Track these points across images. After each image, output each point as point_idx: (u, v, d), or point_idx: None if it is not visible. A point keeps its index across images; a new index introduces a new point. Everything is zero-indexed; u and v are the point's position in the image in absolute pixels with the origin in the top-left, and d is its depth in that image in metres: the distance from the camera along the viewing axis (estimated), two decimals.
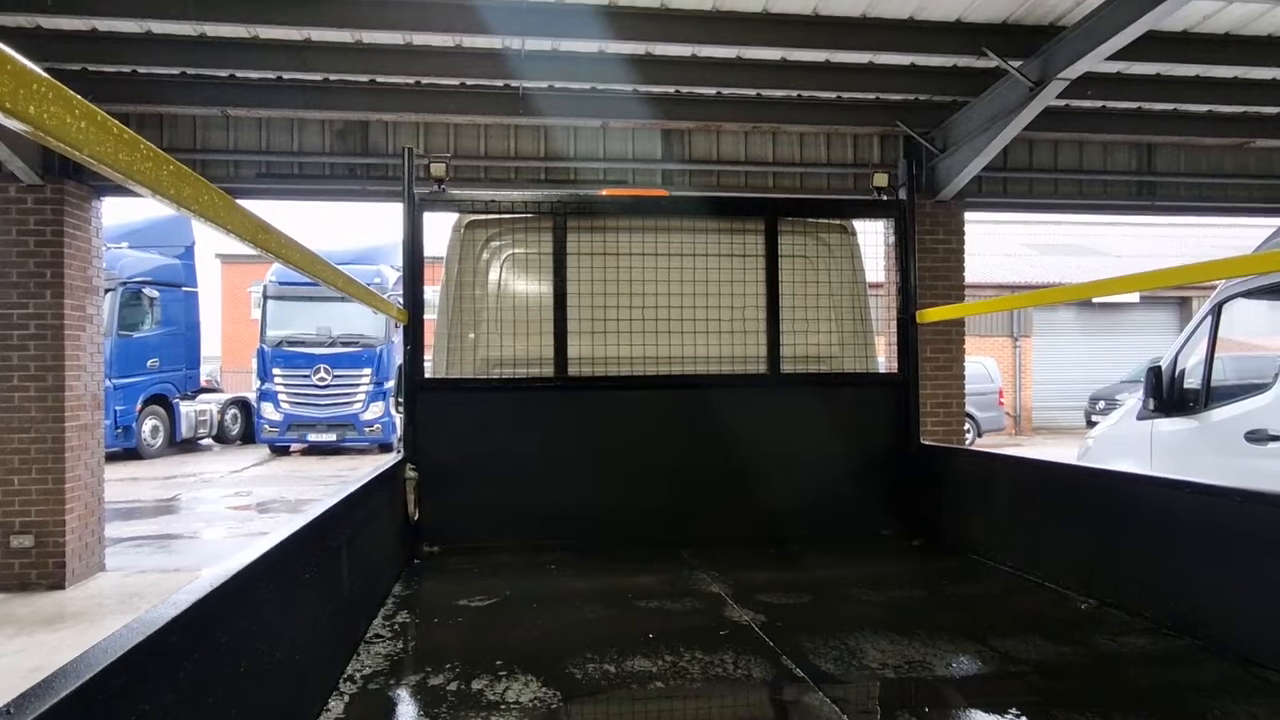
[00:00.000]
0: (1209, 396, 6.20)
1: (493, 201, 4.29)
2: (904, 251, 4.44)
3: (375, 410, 18.82)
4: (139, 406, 17.79)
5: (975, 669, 2.40)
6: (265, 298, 19.20)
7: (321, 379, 18.67)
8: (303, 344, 18.79)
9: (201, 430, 20.03)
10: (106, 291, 12.22)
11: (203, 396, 20.48)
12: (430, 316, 4.25)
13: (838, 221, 4.56)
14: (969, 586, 3.42)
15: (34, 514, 7.53)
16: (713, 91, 7.97)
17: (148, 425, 18.23)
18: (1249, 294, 6.24)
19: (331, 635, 2.39)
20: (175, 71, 7.36)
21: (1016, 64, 6.96)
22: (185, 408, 19.22)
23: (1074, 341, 25.14)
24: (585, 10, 6.50)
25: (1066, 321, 25.33)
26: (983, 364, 20.25)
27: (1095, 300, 24.41)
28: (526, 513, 4.07)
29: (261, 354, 19.03)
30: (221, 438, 21.02)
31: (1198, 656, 2.45)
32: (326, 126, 8.28)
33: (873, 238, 4.77)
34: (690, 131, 8.69)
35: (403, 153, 4.09)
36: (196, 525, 11.71)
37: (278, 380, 18.70)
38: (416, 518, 3.89)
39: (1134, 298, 24.24)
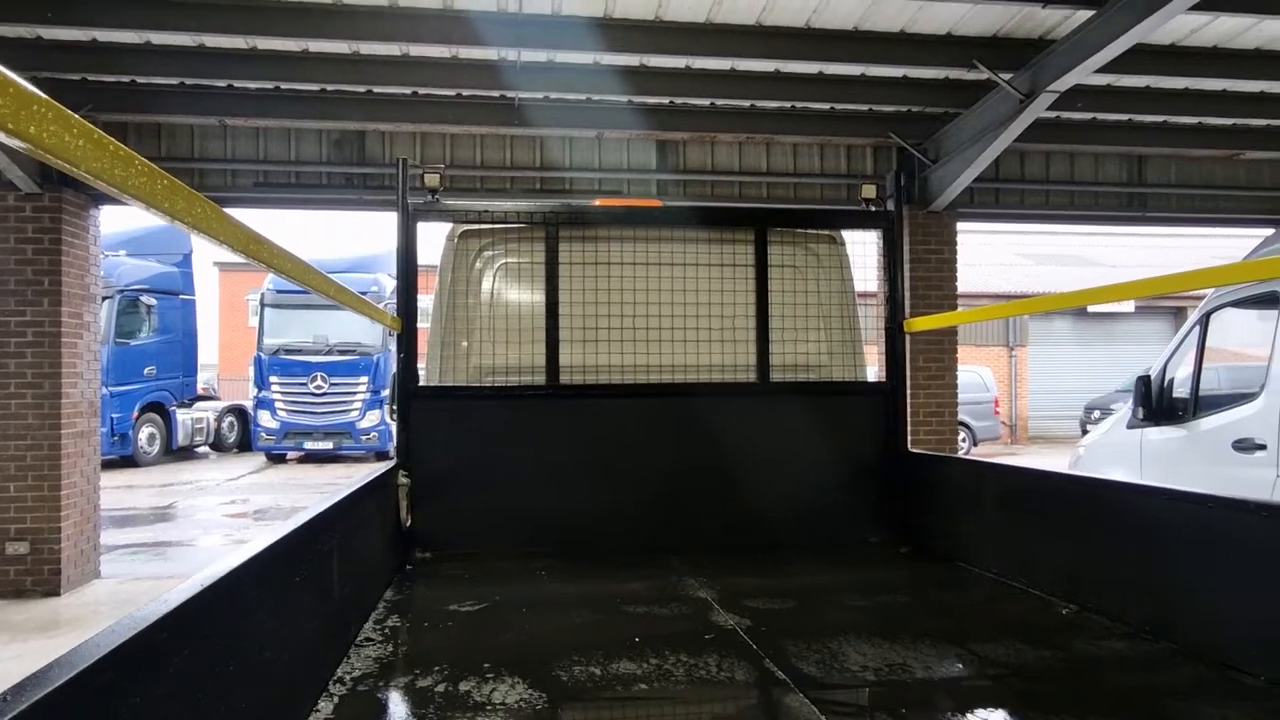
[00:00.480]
0: (1197, 406, 6.25)
1: (486, 211, 4.34)
2: (892, 262, 4.50)
3: (372, 418, 18.84)
4: (136, 414, 17.80)
5: (954, 672, 2.44)
6: (263, 306, 19.25)
7: (318, 387, 18.69)
8: (300, 352, 18.82)
9: (198, 438, 20.04)
10: (104, 299, 12.25)
11: (200, 404, 20.49)
12: (424, 325, 4.30)
13: (827, 232, 4.62)
14: (953, 592, 3.46)
15: (29, 521, 7.55)
16: (707, 103, 8.05)
17: (144, 433, 18.23)
18: (1237, 304, 6.30)
19: (321, 638, 2.43)
20: (174, 81, 7.42)
21: (1007, 76, 7.04)
22: (182, 415, 19.23)
23: (1070, 351, 25.22)
24: (580, 22, 6.57)
25: (1062, 331, 25.42)
26: (978, 373, 20.30)
27: (1091, 310, 24.50)
28: (518, 519, 4.11)
29: (259, 362, 19.06)
30: (218, 445, 21.02)
31: (1173, 660, 2.50)
32: (323, 136, 8.34)
33: (865, 248, 4.83)
34: (685, 142, 8.77)
35: (397, 164, 4.15)
36: (192, 533, 11.72)
37: (275, 388, 18.72)
38: (409, 524, 3.93)
39: (1129, 307, 24.34)
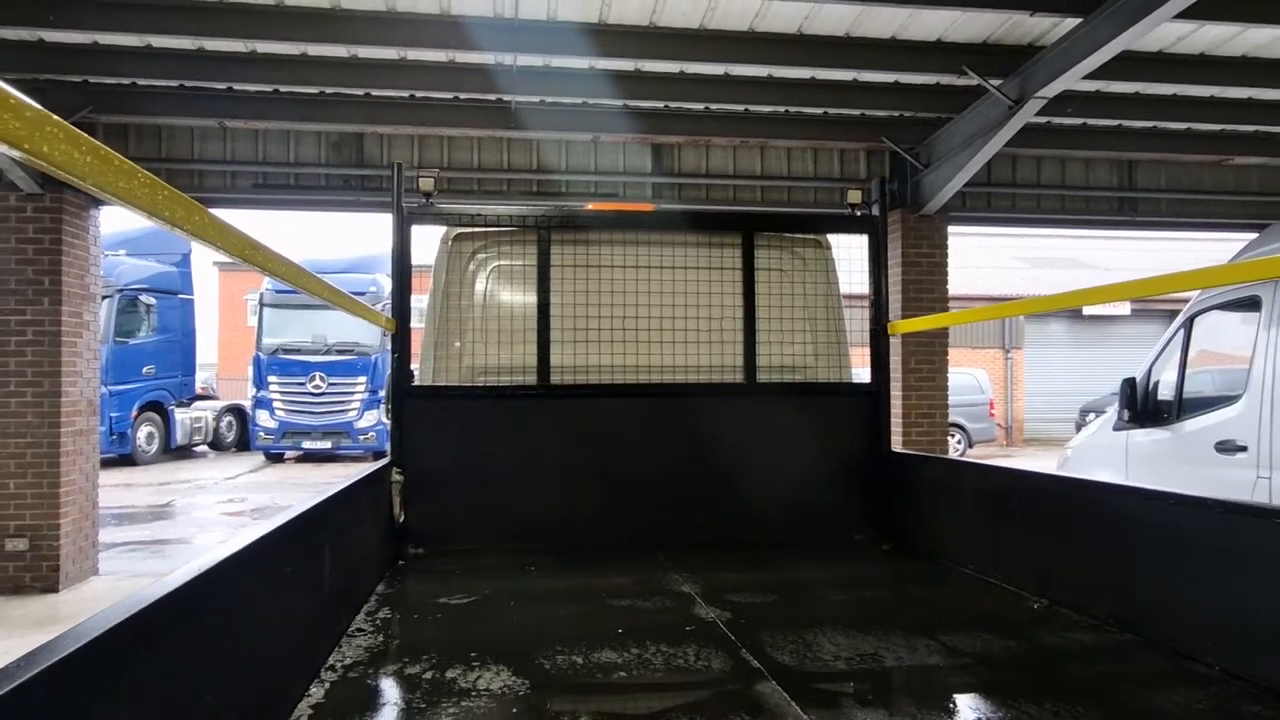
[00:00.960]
0: (1181, 408, 6.35)
1: (479, 215, 4.43)
2: (876, 266, 4.59)
3: (370, 418, 18.92)
4: (134, 413, 17.88)
5: (922, 661, 2.53)
6: (261, 305, 19.34)
7: (316, 387, 18.78)
8: (298, 352, 18.91)
9: (197, 437, 20.12)
10: (103, 298, 12.34)
11: (198, 403, 20.58)
12: (417, 324, 4.39)
13: (813, 236, 4.71)
14: (929, 588, 3.55)
15: (29, 518, 7.63)
16: (701, 107, 8.14)
17: (143, 432, 18.31)
18: (1220, 307, 6.40)
19: (313, 627, 2.52)
20: (174, 84, 7.50)
21: (996, 83, 7.14)
22: (180, 414, 19.31)
23: (1065, 353, 25.32)
24: (575, 28, 6.67)
25: (1058, 334, 25.52)
26: (974, 375, 20.42)
27: (1087, 312, 24.59)
28: (509, 516, 4.20)
29: (257, 361, 19.15)
30: (217, 445, 21.10)
31: (1135, 651, 2.59)
32: (322, 138, 8.43)
33: (858, 252, 4.90)
34: (680, 146, 8.86)
35: (393, 168, 4.24)
36: (190, 531, 11.81)
37: (273, 388, 18.81)
38: (402, 520, 4.02)
39: (1125, 310, 24.44)
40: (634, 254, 4.51)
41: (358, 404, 18.90)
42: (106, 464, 13.81)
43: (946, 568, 3.76)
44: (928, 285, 8.85)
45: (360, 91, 7.66)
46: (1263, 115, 8.30)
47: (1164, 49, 7.20)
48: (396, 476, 4.01)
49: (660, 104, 8.01)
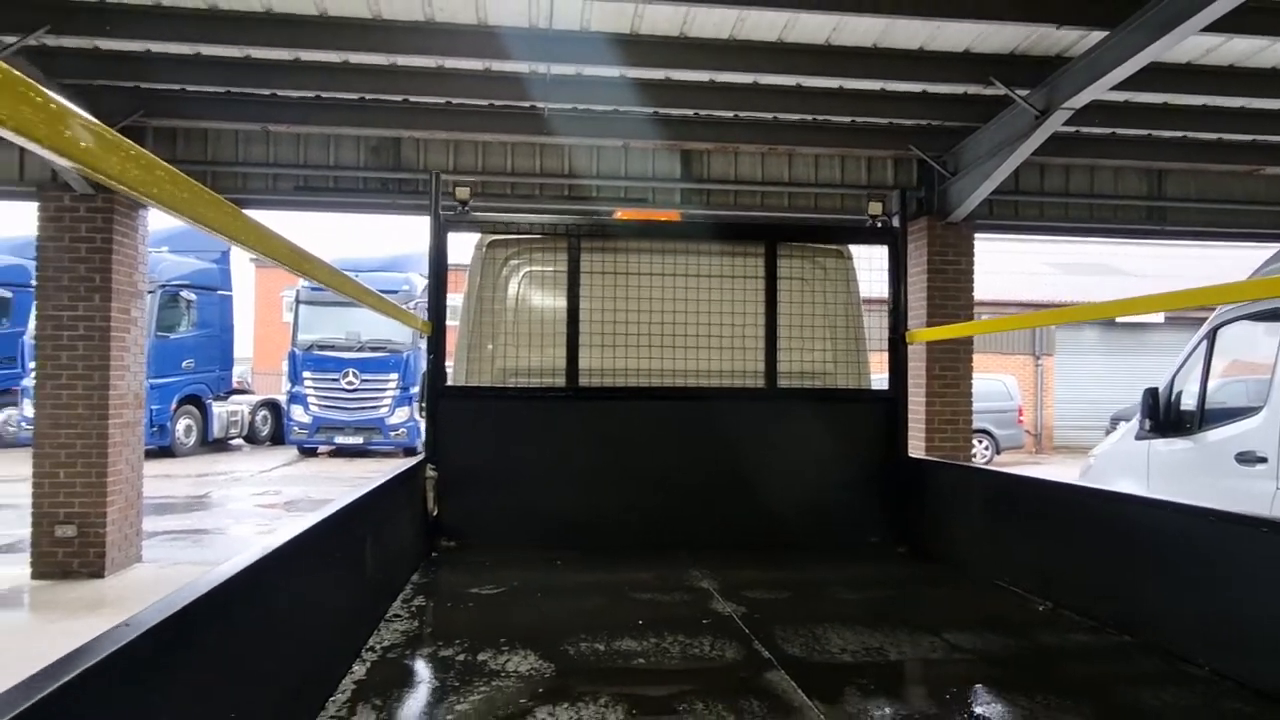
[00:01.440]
0: (1203, 418, 6.39)
1: (512, 223, 4.63)
2: (895, 276, 4.72)
3: (401, 415, 19.24)
4: (174, 406, 18.35)
5: (924, 656, 2.67)
6: (297, 303, 19.75)
7: (350, 383, 19.14)
8: (332, 348, 19.28)
9: (233, 430, 20.58)
10: (146, 294, 12.70)
11: (234, 397, 21.05)
12: (452, 323, 4.58)
13: (835, 246, 4.85)
14: (939, 589, 3.68)
15: (77, 505, 7.95)
16: (730, 114, 8.28)
17: (182, 424, 18.78)
18: (1245, 318, 6.43)
19: (356, 611, 2.72)
20: (221, 90, 7.78)
21: (1023, 93, 7.21)
22: (218, 408, 19.78)
23: (1097, 361, 25.10)
24: (607, 38, 6.85)
25: (1090, 341, 25.31)
26: (1002, 381, 20.34)
27: (1119, 320, 24.37)
28: (537, 513, 4.38)
29: (293, 357, 19.55)
30: (252, 438, 21.56)
31: (1131, 652, 2.71)
32: (361, 143, 8.69)
33: (881, 258, 5.02)
34: (709, 152, 9.01)
35: (431, 177, 4.44)
36: (226, 521, 12.15)
37: (307, 383, 19.19)
38: (436, 514, 4.21)
39: (1159, 318, 24.17)
40: (660, 261, 4.67)
41: (389, 400, 19.23)
42: (147, 455, 14.15)
43: (957, 570, 3.88)
44: (953, 292, 8.92)
45: (399, 98, 7.89)
46: None
47: (1193, 60, 7.23)
48: (431, 473, 4.21)
49: (690, 111, 8.16)
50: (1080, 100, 6.79)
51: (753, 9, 6.33)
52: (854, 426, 4.66)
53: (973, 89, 7.63)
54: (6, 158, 8.08)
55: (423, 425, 15.47)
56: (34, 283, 16.86)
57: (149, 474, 12.54)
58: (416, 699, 2.38)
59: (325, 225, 33.27)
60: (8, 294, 18.82)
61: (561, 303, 4.57)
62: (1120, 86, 6.64)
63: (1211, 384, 6.47)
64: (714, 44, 7.01)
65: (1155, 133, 8.65)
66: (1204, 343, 6.57)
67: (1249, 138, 8.67)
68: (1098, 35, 6.46)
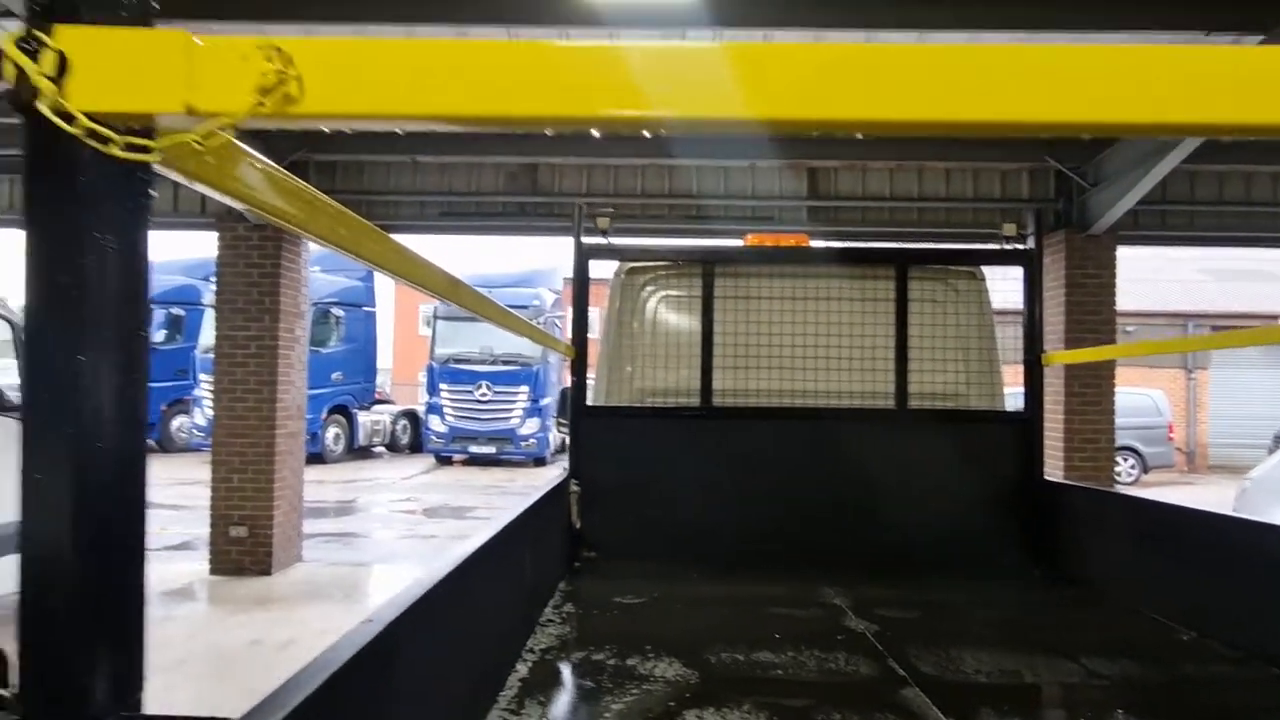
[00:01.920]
0: None
1: (649, 250, 4.87)
2: (1031, 296, 4.69)
3: (531, 425, 19.91)
4: (324, 416, 19.59)
5: (1061, 679, 2.72)
6: (435, 318, 20.76)
7: (483, 395, 19.96)
8: (467, 361, 20.17)
9: (375, 439, 21.77)
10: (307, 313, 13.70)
11: (377, 408, 22.27)
12: (593, 335, 4.84)
13: (967, 268, 4.86)
14: (1077, 613, 3.67)
15: (249, 508, 8.71)
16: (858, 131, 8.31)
17: (330, 433, 20.02)
18: None
19: (518, 616, 2.99)
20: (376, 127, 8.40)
21: None
22: (363, 418, 20.98)
23: (1258, 375, 23.41)
24: None
25: (1249, 353, 23.59)
26: (1150, 396, 19.29)
27: None
28: (672, 526, 4.58)
29: (431, 370, 20.56)
30: (393, 446, 22.74)
31: (1277, 684, 2.67)
32: (500, 170, 9.18)
33: (1016, 271, 4.99)
34: (836, 170, 9.05)
35: (574, 210, 4.74)
36: (373, 526, 12.93)
37: (444, 395, 20.14)
38: (579, 527, 4.48)
39: None
40: (791, 285, 4.81)
41: (520, 411, 19.93)
42: None
43: (1095, 595, 3.85)
44: (1093, 307, 8.64)
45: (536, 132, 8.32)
46: None
47: None
48: (574, 487, 4.48)
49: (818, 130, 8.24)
50: None
51: (880, 31, 6.38)
52: (988, 447, 4.66)
53: None
54: (190, 193, 8.96)
55: (551, 436, 16.02)
56: (205, 302, 18.26)
57: (304, 479, 13.54)
58: (575, 699, 2.62)
59: (455, 242, 34.65)
60: (181, 312, 20.55)
61: (695, 325, 4.78)
62: None
63: None
64: None
65: None
66: None
67: None
68: (1252, 40, 6.19)
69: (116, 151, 0.88)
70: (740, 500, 4.61)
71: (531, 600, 3.24)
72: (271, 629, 6.86)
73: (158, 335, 19.73)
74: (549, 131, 8.25)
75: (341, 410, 20.40)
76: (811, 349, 4.75)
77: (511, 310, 3.92)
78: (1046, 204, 8.79)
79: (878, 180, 9.08)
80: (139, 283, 1.00)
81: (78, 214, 0.90)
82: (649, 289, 4.92)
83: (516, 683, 2.59)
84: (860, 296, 4.78)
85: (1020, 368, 4.76)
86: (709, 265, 4.77)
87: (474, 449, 20.11)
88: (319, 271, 19.99)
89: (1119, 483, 12.66)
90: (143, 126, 0.89)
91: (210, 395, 11.06)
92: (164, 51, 0.88)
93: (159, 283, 20.09)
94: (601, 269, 5.00)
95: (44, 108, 0.85)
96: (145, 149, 0.88)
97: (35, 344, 0.96)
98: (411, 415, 23.28)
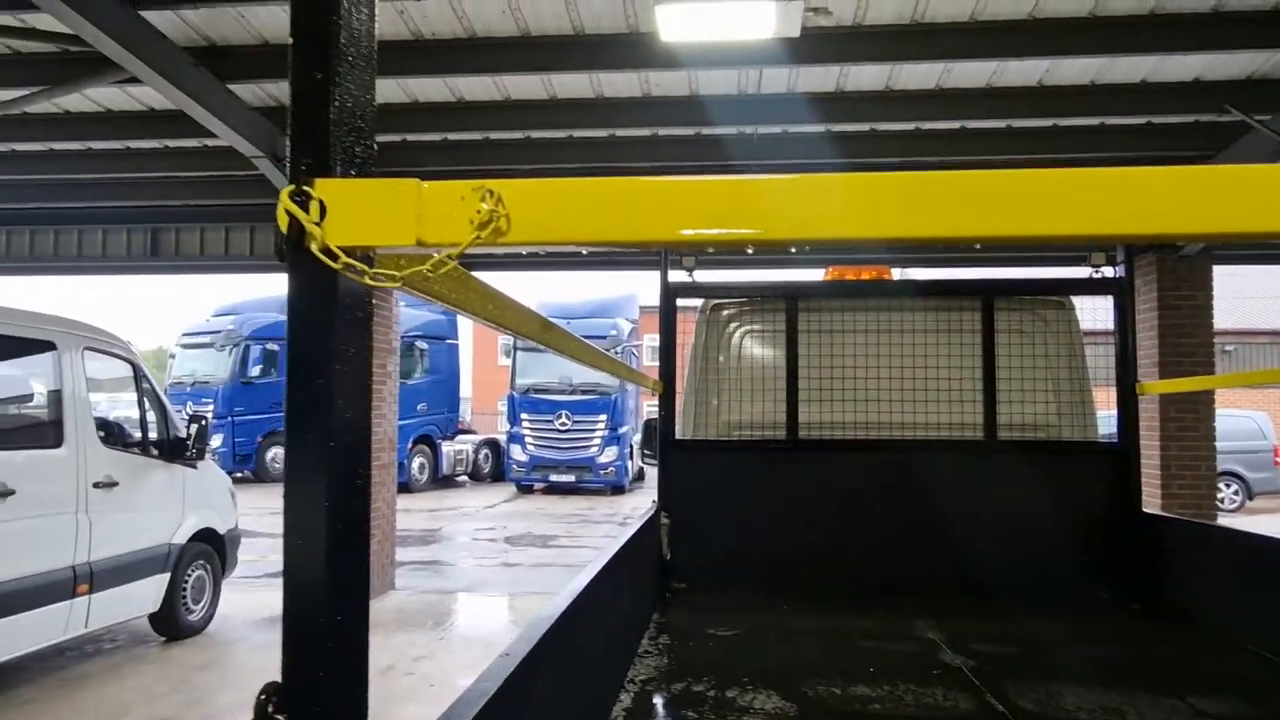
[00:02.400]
0: None
1: (734, 286, 4.98)
2: (1122, 325, 4.64)
3: (610, 454, 20.11)
4: (410, 445, 20.14)
5: (1165, 717, 2.69)
6: (515, 349, 21.20)
7: (563, 424, 20.25)
8: (547, 391, 20.51)
9: (459, 468, 22.26)
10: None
11: (460, 437, 22.79)
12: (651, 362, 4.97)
13: (1055, 298, 4.83)
14: (1179, 649, 3.59)
15: None
16: (935, 159, 8.28)
17: (416, 462, 20.57)
18: None
19: (618, 648, 3.10)
20: (437, 138, 8.47)
21: (1263, 118, 6.78)
22: (446, 447, 21.50)
23: None
24: (813, 97, 7.14)
25: None
26: (1253, 419, 18.45)
27: None
28: (761, 557, 4.64)
29: (511, 400, 20.97)
30: (475, 475, 23.21)
31: None
32: None
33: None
34: None
35: (660, 254, 4.89)
36: (459, 554, 13.23)
37: (524, 424, 20.51)
38: (669, 558, 4.58)
39: None
40: (875, 318, 4.86)
41: (599, 440, 20.15)
42: None
43: (1197, 630, 3.76)
44: (1188, 330, 8.39)
45: (616, 164, 8.51)
46: None
47: None
48: (664, 520, 4.59)
49: (896, 159, 8.25)
50: None
51: (958, 61, 6.40)
52: (1082, 478, 4.60)
53: (1205, 118, 7.25)
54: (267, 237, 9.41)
55: (630, 465, 16.15)
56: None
57: None
58: None
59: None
60: (275, 348, 21.45)
61: (779, 359, 4.86)
62: None
63: None
64: (920, 94, 7.12)
65: None
66: None
67: None
68: None
69: (368, 281, 1.09)
70: (826, 531, 4.64)
71: (629, 631, 3.35)
72: (375, 655, 7.10)
73: (254, 370, 20.60)
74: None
75: (426, 440, 20.95)
76: (897, 380, 4.77)
77: (589, 341, 4.05)
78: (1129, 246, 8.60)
79: None
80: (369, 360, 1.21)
81: (331, 321, 1.10)
82: (733, 324, 5.03)
83: (620, 713, 2.69)
84: (945, 328, 4.80)
85: (1112, 390, 4.70)
86: (791, 300, 4.86)
87: (554, 477, 20.39)
88: (403, 306, 20.70)
89: (1221, 509, 12.14)
90: (365, 254, 1.09)
91: None
92: (399, 196, 1.06)
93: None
94: (685, 302, 5.13)
95: (314, 249, 1.04)
96: (391, 277, 1.09)
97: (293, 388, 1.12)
98: (493, 444, 23.73)
